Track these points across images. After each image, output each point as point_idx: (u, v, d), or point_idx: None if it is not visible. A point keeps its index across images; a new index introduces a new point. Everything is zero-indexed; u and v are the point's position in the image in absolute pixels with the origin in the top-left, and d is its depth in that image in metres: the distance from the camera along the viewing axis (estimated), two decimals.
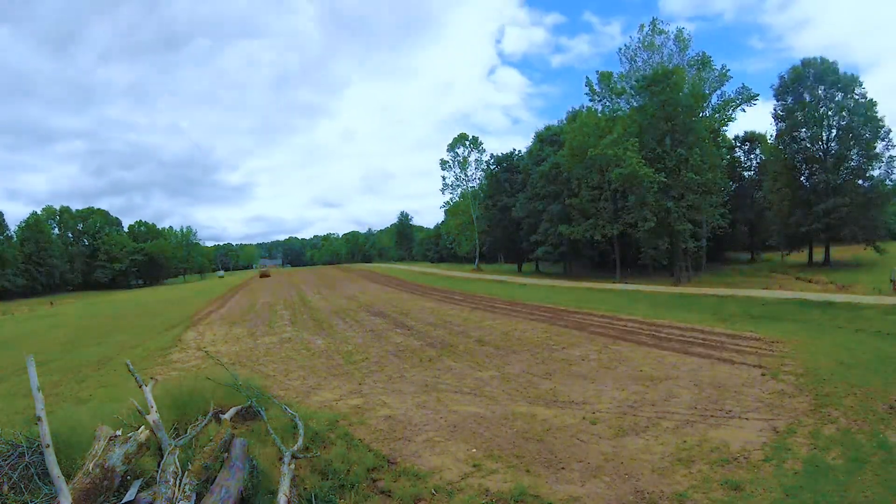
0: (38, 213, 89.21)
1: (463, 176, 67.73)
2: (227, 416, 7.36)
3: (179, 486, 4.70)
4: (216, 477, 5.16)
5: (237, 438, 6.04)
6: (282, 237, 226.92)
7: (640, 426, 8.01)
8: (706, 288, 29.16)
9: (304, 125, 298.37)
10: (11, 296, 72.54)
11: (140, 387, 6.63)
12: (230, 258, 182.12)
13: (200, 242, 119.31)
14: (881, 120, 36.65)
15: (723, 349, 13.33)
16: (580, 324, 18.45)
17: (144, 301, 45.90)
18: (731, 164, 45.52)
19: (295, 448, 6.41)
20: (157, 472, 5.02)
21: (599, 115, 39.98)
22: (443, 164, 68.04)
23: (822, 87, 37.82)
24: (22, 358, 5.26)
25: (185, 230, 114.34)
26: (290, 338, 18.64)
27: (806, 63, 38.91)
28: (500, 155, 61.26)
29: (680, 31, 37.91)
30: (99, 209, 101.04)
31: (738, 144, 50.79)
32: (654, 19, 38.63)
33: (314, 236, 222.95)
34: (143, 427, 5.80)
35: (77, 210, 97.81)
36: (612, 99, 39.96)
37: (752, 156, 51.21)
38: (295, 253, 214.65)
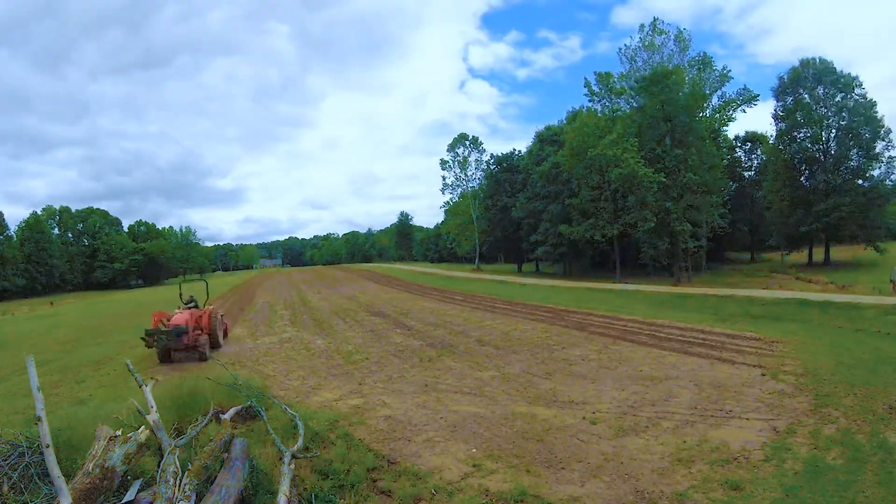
0: (38, 213, 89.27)
1: (463, 176, 67.80)
2: (227, 416, 7.36)
3: (179, 486, 4.70)
4: (216, 477, 5.16)
5: (237, 438, 6.04)
6: (276, 238, 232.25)
7: (640, 426, 8.01)
8: (706, 288, 29.17)
9: (287, 133, 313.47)
10: (11, 296, 72.57)
11: (140, 387, 6.63)
12: (230, 258, 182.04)
13: (200, 242, 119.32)
14: (881, 120, 36.71)
15: (723, 349, 13.34)
16: (580, 324, 18.45)
17: (144, 301, 45.88)
18: (731, 164, 45.56)
19: (295, 448, 6.41)
20: (157, 472, 5.01)
21: (599, 115, 40.01)
22: (443, 164, 68.11)
23: (822, 88, 37.87)
24: (22, 358, 5.27)
25: (184, 230, 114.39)
26: (290, 338, 18.63)
27: (805, 63, 38.96)
28: (500, 155, 61.34)
29: (680, 31, 37.99)
30: (99, 209, 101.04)
31: (739, 144, 50.86)
32: (654, 19, 38.69)
33: (314, 236, 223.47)
34: (143, 427, 5.80)
35: (77, 210, 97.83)
36: (611, 99, 40.01)
37: (752, 156, 51.29)
38: (295, 253, 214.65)
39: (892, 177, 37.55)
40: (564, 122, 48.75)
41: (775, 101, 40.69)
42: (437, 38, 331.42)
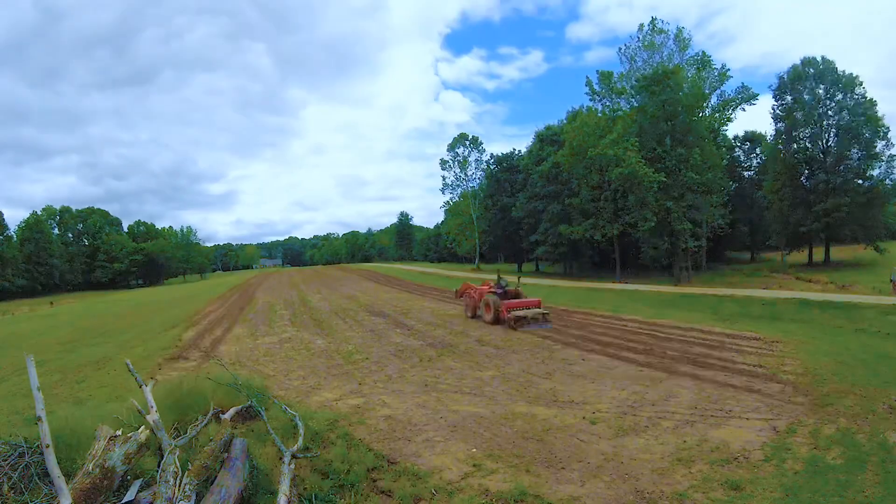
0: (38, 213, 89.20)
1: (463, 176, 67.73)
2: (227, 416, 7.36)
3: (179, 486, 4.70)
4: (216, 477, 5.16)
5: (237, 438, 6.04)
6: (271, 239, 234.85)
7: (640, 426, 8.01)
8: (706, 288, 29.16)
9: (274, 140, 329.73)
10: (11, 296, 72.57)
11: (140, 387, 6.63)
12: (230, 258, 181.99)
13: (200, 242, 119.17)
14: (881, 119, 36.66)
15: (723, 349, 13.34)
16: (580, 324, 18.45)
17: (144, 301, 45.90)
18: (731, 164, 45.52)
19: (295, 448, 6.41)
20: (157, 472, 5.02)
21: (599, 114, 39.98)
22: (443, 163, 68.03)
23: (822, 87, 37.82)
24: (22, 358, 5.26)
25: (185, 230, 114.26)
26: (291, 338, 18.63)
27: (805, 62, 38.91)
28: (500, 155, 61.30)
29: (680, 30, 37.89)
30: (99, 209, 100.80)
31: (738, 144, 50.80)
32: (653, 19, 38.63)
33: (314, 236, 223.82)
34: (143, 427, 5.80)
35: (77, 210, 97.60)
36: (612, 98, 39.96)
37: (752, 156, 51.24)
38: (295, 253, 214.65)
39: (892, 176, 37.46)
40: (564, 121, 48.72)
41: (775, 101, 40.67)
42: (406, 57, 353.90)
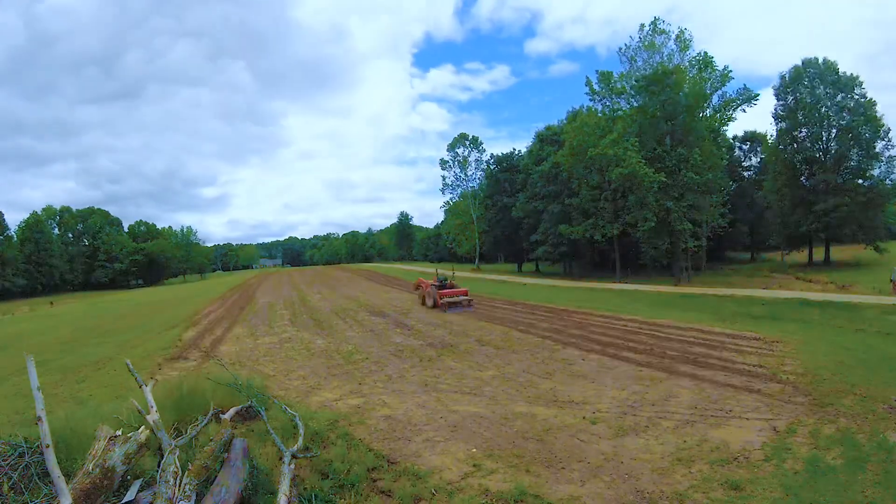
0: (38, 213, 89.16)
1: (463, 176, 67.73)
2: (227, 416, 7.36)
3: (179, 485, 4.70)
4: (216, 477, 5.16)
5: (237, 438, 6.04)
6: (267, 239, 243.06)
7: (640, 426, 8.01)
8: (706, 288, 29.16)
9: (262, 148, 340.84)
10: (11, 296, 72.57)
11: (140, 387, 6.63)
12: (230, 258, 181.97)
13: (200, 242, 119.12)
14: (881, 119, 36.67)
15: (723, 349, 13.34)
16: (580, 324, 18.45)
17: (144, 301, 45.91)
18: (731, 164, 45.51)
19: (295, 448, 6.41)
20: (157, 472, 5.02)
21: (599, 114, 39.96)
22: (443, 163, 68.04)
23: (823, 87, 37.81)
24: (22, 358, 5.26)
25: (185, 230, 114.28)
26: (290, 337, 18.63)
27: (806, 63, 38.91)
28: (500, 155, 61.29)
29: (681, 31, 37.85)
30: (99, 209, 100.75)
31: (739, 144, 50.81)
32: (654, 18, 38.62)
33: (314, 236, 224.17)
34: (143, 427, 5.81)
35: (77, 210, 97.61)
36: (612, 98, 39.92)
37: (752, 156, 51.25)
38: (295, 253, 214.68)
39: (892, 176, 37.49)
40: (564, 121, 48.72)
41: (776, 101, 40.68)
42: (380, 73, 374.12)
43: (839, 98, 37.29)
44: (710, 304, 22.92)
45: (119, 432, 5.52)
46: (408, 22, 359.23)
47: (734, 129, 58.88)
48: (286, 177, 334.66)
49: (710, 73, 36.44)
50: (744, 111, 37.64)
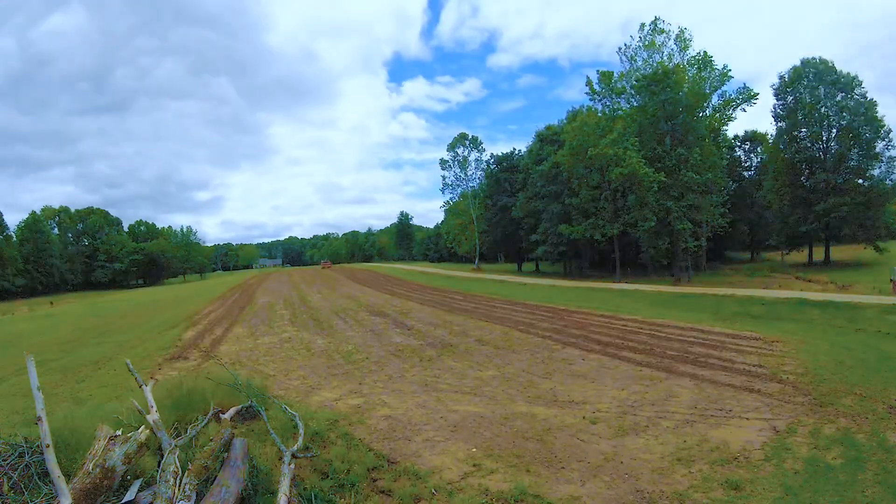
0: (38, 213, 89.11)
1: (463, 176, 67.72)
2: (227, 415, 7.36)
3: (179, 485, 4.69)
4: (216, 477, 5.15)
5: (237, 438, 6.03)
6: (264, 240, 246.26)
7: (640, 426, 8.01)
8: (706, 287, 29.17)
9: (249, 154, 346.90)
10: (11, 296, 72.53)
11: (140, 386, 6.63)
12: (230, 258, 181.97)
13: (200, 242, 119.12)
14: (881, 119, 36.69)
15: (723, 349, 13.34)
16: (580, 323, 18.45)
17: (144, 301, 45.92)
18: (731, 164, 45.53)
19: (295, 448, 6.41)
20: (157, 471, 5.01)
21: (599, 114, 39.98)
22: (443, 163, 68.04)
23: (823, 87, 37.83)
24: (22, 358, 5.26)
25: (185, 230, 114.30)
26: (290, 337, 18.63)
27: (806, 63, 38.93)
28: (500, 155, 61.32)
29: (682, 30, 37.89)
30: (98, 209, 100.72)
31: (739, 144, 50.81)
32: (655, 18, 38.63)
33: (314, 236, 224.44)
34: (143, 427, 5.79)
35: (77, 210, 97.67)
36: (612, 98, 39.96)
37: (752, 155, 51.25)
38: (295, 253, 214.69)
39: (892, 176, 37.53)
40: (564, 121, 48.75)
41: (776, 100, 40.70)
42: (357, 88, 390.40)
43: (839, 98, 37.32)
44: (710, 303, 22.93)
45: (119, 432, 5.51)
46: (377, 43, 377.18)
47: (734, 129, 58.98)
48: (277, 182, 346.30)
49: (710, 72, 36.49)
50: (744, 110, 37.75)
